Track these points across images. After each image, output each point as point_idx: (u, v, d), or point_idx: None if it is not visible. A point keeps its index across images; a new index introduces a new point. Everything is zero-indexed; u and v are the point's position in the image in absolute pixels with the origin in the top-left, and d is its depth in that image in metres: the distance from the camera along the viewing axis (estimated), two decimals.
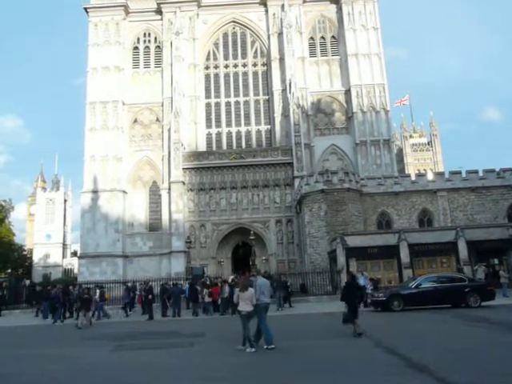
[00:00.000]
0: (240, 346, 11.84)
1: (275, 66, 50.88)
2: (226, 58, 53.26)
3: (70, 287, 29.39)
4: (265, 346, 11.74)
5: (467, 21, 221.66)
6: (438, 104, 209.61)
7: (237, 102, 52.19)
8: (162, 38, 52.25)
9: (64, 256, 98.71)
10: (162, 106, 50.50)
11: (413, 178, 40.66)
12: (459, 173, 39.26)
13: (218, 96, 52.42)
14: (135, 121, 51.24)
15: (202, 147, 50.41)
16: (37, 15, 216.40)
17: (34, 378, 9.76)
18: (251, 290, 11.88)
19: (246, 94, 52.28)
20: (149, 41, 53.53)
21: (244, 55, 53.20)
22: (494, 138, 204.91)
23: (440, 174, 41.43)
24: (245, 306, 11.77)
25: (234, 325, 14.92)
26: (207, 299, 24.51)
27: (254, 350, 11.52)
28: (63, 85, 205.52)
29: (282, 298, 25.11)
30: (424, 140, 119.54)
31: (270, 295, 12.96)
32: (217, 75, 53.04)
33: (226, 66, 53.15)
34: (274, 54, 51.11)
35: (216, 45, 53.68)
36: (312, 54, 51.84)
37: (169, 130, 48.84)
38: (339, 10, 52.11)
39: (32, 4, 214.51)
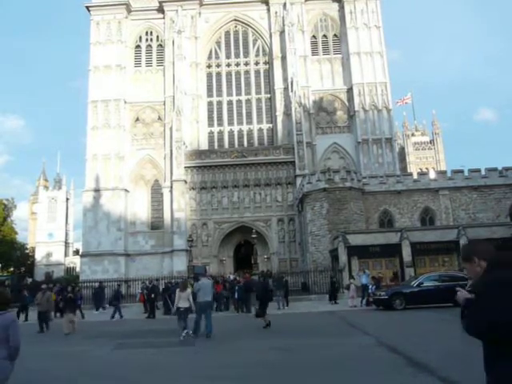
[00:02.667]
0: (181, 337, 13.81)
1: (277, 64, 50.77)
2: (227, 56, 53.17)
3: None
4: (190, 331, 13.97)
5: (467, 20, 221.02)
6: (438, 103, 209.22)
7: (239, 101, 52.12)
8: (164, 37, 52.18)
9: (66, 254, 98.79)
10: (164, 104, 50.44)
11: (415, 176, 40.54)
12: (461, 171, 39.12)
13: (219, 94, 52.35)
14: (137, 119, 51.20)
15: (204, 146, 50.38)
16: (37, 16, 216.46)
17: (35, 376, 9.73)
18: (189, 290, 14.58)
19: (247, 93, 52.20)
20: (151, 39, 53.44)
21: (246, 54, 53.10)
22: (494, 138, 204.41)
23: (442, 173, 41.28)
24: (183, 303, 14.11)
25: (234, 324, 14.93)
26: None
27: (185, 334, 13.90)
28: (64, 84, 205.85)
29: (282, 296, 25.06)
30: (426, 138, 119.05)
31: (212, 295, 15.23)
32: (219, 74, 52.97)
33: (228, 65, 53.08)
34: (276, 52, 51.00)
35: (218, 43, 53.60)
36: (314, 52, 51.68)
37: (171, 129, 48.81)
38: (341, 9, 51.94)
39: (32, 4, 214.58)
